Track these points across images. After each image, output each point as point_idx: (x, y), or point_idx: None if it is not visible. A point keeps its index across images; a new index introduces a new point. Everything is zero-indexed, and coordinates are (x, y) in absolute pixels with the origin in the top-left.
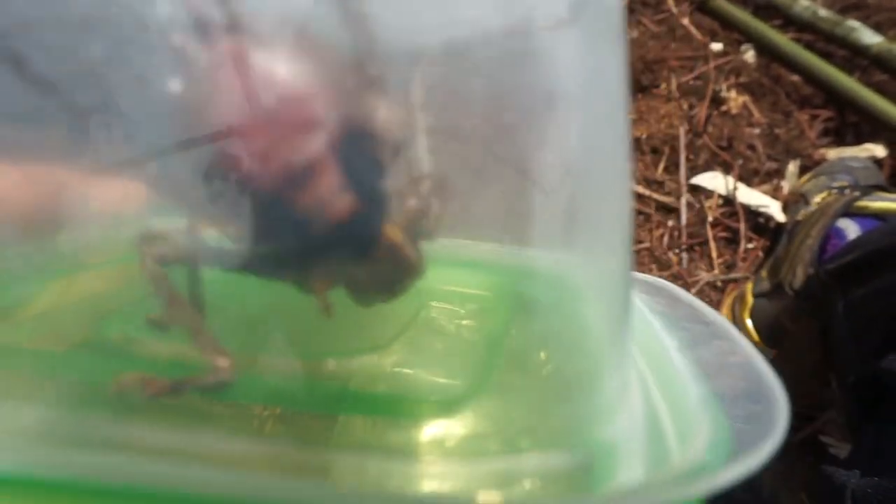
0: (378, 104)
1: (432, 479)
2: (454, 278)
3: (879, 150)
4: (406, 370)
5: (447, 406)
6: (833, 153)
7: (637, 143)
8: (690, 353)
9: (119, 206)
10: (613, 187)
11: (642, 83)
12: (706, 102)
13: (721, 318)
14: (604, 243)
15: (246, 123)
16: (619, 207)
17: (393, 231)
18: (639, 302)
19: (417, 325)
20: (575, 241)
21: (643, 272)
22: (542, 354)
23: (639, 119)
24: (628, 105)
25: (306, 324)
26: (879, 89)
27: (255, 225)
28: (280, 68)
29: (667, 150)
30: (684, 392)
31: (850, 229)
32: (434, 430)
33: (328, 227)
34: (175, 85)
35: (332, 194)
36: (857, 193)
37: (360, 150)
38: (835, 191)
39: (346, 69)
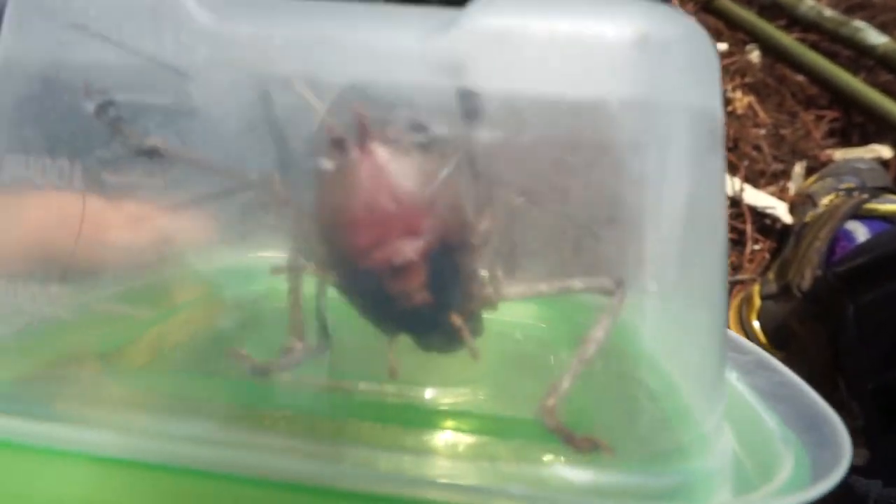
0: (475, 224)
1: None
2: (544, 314)
3: (886, 151)
4: (496, 403)
5: (541, 438)
6: (839, 154)
7: None
8: (746, 383)
9: (199, 242)
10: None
11: None
12: None
13: (756, 348)
14: (702, 291)
15: (364, 219)
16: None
17: (456, 319)
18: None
19: (507, 361)
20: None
21: None
22: (642, 389)
23: None
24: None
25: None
26: (885, 89)
27: (355, 284)
28: (399, 180)
29: None
30: (757, 420)
31: (859, 232)
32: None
33: (405, 311)
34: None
35: (414, 289)
36: (865, 196)
37: (447, 258)
38: (842, 193)
39: (453, 186)
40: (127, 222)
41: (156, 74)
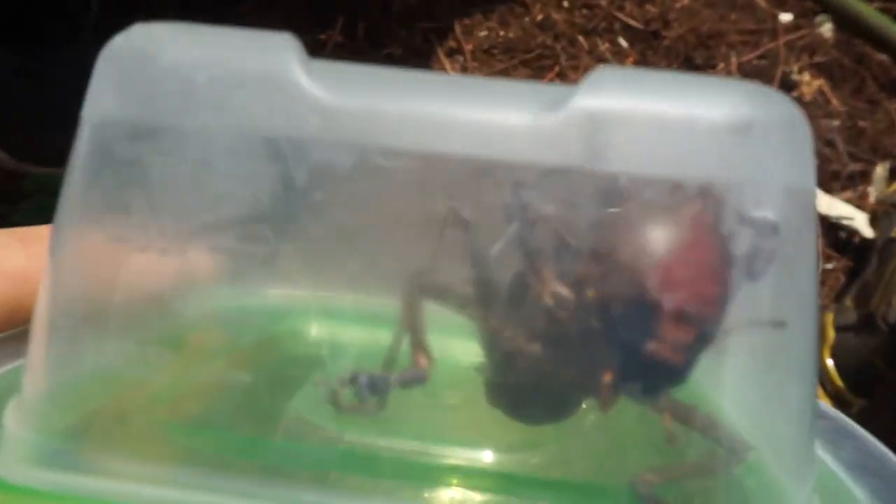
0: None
1: None
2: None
3: None
4: (565, 469)
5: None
6: None
7: None
8: (829, 452)
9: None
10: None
11: (695, 62)
12: (774, 87)
13: (836, 412)
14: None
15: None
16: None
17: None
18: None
19: (584, 427)
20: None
21: None
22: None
23: None
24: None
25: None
26: None
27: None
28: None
29: None
30: (846, 496)
31: None
32: None
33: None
34: None
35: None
36: None
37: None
38: None
39: None
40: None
41: (266, 146)
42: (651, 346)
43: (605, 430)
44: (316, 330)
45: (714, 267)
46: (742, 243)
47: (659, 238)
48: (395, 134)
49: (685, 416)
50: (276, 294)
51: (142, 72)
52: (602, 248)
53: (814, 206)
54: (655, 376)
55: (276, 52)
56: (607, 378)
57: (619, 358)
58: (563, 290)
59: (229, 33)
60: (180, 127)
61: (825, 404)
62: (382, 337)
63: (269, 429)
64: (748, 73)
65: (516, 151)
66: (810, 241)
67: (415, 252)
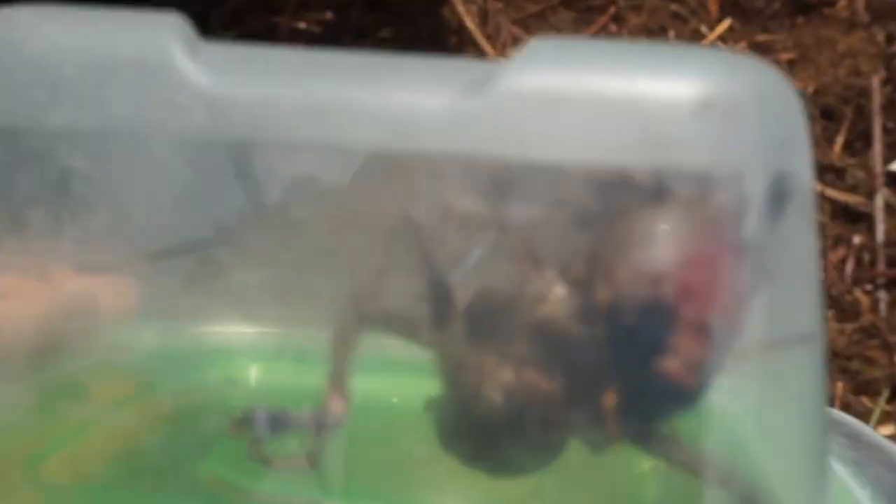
0: None
1: None
2: None
3: None
4: None
5: None
6: None
7: None
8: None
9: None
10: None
11: None
12: None
13: (878, 438)
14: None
15: None
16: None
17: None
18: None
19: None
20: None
21: None
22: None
23: (801, 59)
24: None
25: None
26: None
27: None
28: None
29: (849, 112)
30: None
31: None
32: None
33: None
34: None
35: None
36: None
37: None
38: None
39: None
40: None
41: (141, 143)
42: (664, 363)
43: (594, 478)
44: (255, 375)
45: (730, 273)
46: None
47: (670, 239)
48: (292, 126)
49: (691, 462)
50: (211, 332)
51: (2, 65)
52: (603, 249)
53: (809, 196)
54: (663, 401)
55: (156, 36)
56: (610, 402)
57: (623, 378)
58: (563, 291)
59: (107, 16)
60: (43, 127)
61: (839, 412)
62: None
63: (176, 491)
64: (881, 11)
65: (434, 141)
66: (807, 239)
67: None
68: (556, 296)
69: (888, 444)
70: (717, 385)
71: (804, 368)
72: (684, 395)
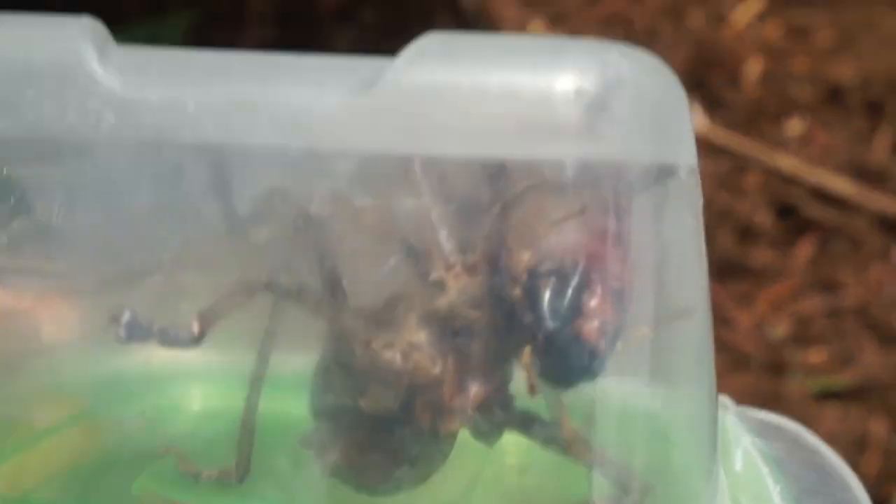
0: None
1: None
2: None
3: None
4: None
5: None
6: None
7: (837, 94)
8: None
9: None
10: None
11: None
12: None
13: (845, 469)
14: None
15: None
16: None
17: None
18: (751, 447)
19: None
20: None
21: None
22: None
23: (842, 43)
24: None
25: None
26: None
27: None
28: None
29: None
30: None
31: None
32: None
33: None
34: None
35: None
36: None
37: None
38: None
39: None
40: None
41: (57, 146)
42: (577, 324)
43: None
44: (199, 402)
45: (623, 249)
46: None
47: (564, 222)
48: (195, 126)
49: (577, 446)
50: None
51: None
52: (501, 235)
53: (692, 180)
54: (573, 363)
55: (69, 40)
56: (526, 357)
57: (536, 340)
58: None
59: (20, 20)
60: None
61: (780, 417)
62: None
63: None
64: None
65: (328, 138)
66: (691, 228)
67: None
68: (456, 284)
69: (826, 449)
70: (607, 365)
71: (690, 344)
72: (590, 364)
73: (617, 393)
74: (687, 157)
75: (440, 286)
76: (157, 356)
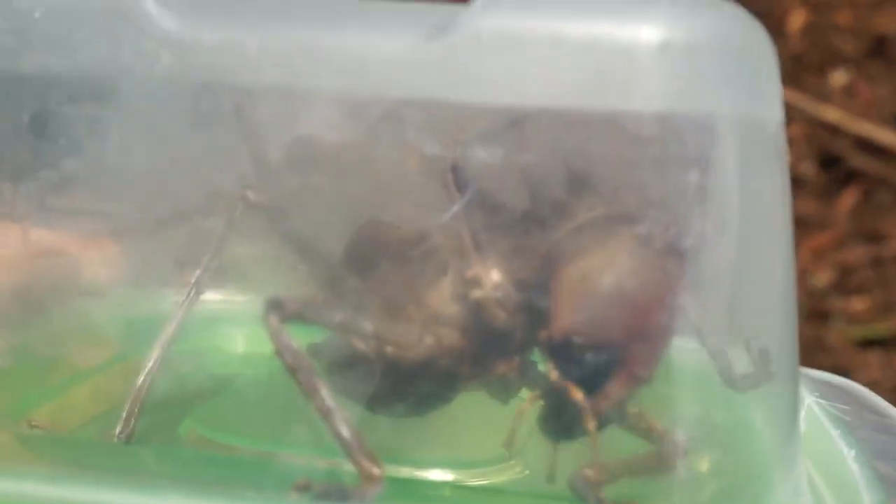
0: None
1: None
2: None
3: None
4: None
5: None
6: None
7: (881, 46)
8: (871, 466)
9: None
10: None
11: None
12: None
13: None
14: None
15: None
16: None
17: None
18: (815, 407)
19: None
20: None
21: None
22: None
23: None
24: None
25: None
26: None
27: None
28: None
29: None
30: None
31: None
32: None
33: None
34: None
35: None
36: None
37: None
38: None
39: None
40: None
41: (111, 86)
42: (593, 402)
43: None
44: (242, 345)
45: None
46: None
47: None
48: (256, 69)
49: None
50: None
51: None
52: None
53: (778, 136)
54: (567, 423)
55: None
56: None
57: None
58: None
59: None
60: (15, 71)
61: (842, 378)
62: None
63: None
64: None
65: (395, 84)
66: (778, 184)
67: None
68: (490, 282)
69: (891, 409)
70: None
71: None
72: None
73: (694, 356)
74: (775, 111)
75: (475, 282)
76: (202, 299)
